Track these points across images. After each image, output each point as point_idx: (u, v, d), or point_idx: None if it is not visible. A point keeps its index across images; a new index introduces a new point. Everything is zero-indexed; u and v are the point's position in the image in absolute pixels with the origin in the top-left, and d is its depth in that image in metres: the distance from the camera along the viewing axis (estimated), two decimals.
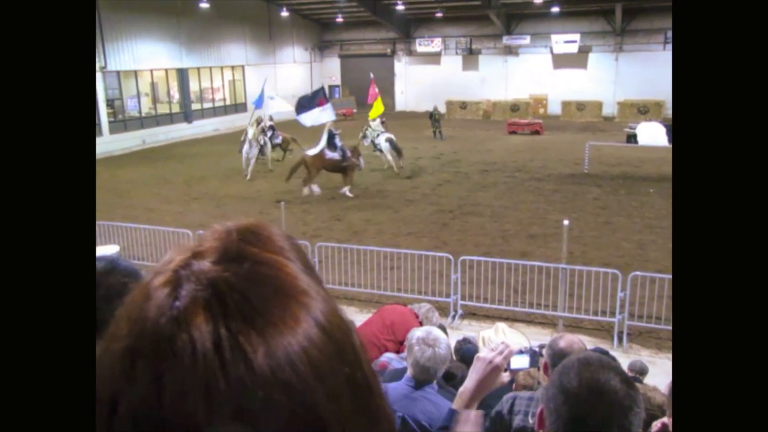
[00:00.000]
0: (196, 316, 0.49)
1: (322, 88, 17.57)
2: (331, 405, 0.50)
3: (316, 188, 16.21)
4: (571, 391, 1.56)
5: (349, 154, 16.32)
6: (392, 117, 35.85)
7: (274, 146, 20.79)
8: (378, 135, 19.19)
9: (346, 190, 16.36)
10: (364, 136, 19.49)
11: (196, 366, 0.47)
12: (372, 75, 21.90)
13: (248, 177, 18.57)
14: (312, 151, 16.17)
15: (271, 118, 20.84)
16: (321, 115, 16.53)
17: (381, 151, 19.04)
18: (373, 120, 19.40)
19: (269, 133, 20.38)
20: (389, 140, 18.85)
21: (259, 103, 19.93)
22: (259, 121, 19.54)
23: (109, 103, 27.20)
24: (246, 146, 18.84)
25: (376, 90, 19.81)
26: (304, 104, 16.63)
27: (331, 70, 41.41)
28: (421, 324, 4.87)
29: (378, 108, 19.06)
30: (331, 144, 16.16)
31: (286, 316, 0.50)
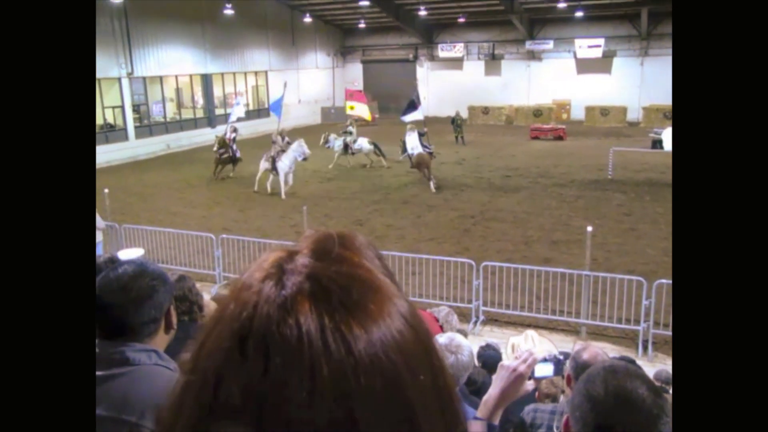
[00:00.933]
0: (302, 305, 0.54)
1: (417, 95, 20.24)
2: (419, 397, 0.54)
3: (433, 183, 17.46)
4: (598, 398, 1.54)
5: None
6: (414, 122, 35.92)
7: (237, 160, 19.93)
8: (356, 139, 21.10)
9: (432, 184, 17.47)
10: (339, 141, 21.20)
11: (302, 350, 0.51)
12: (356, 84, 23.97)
13: (284, 196, 17.04)
14: (418, 151, 17.72)
15: (234, 129, 20.21)
16: (417, 115, 19.27)
17: (355, 153, 21.00)
18: (350, 125, 21.19)
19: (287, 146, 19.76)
20: (373, 143, 20.95)
21: (277, 108, 19.54)
22: (282, 136, 18.18)
23: (136, 108, 27.63)
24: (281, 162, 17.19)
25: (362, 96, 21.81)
26: (409, 106, 19.61)
27: (353, 76, 41.59)
28: (442, 328, 4.86)
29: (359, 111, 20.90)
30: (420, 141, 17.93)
31: (382, 311, 0.55)
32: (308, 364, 0.51)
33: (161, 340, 1.78)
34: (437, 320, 5.25)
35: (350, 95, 21.69)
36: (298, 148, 17.15)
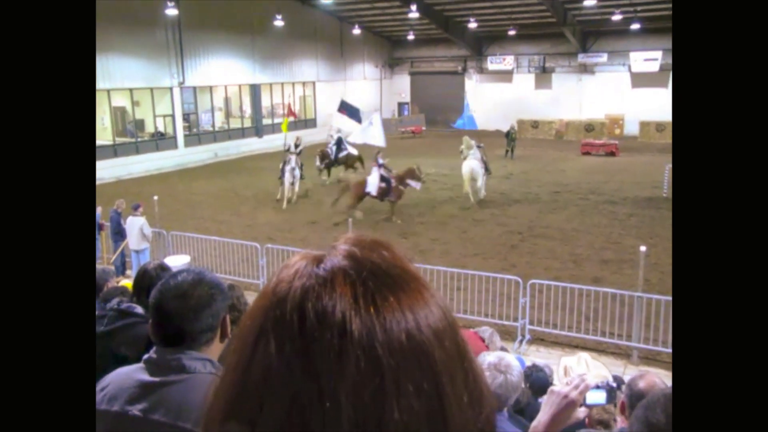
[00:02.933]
0: (338, 276, 0.59)
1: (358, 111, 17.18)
2: (449, 381, 0.59)
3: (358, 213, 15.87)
4: (658, 426, 1.51)
5: (393, 184, 15.88)
6: (459, 136, 35.84)
7: (342, 159, 20.95)
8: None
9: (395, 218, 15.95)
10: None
11: (334, 311, 0.57)
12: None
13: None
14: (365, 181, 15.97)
15: (339, 130, 21.04)
16: (370, 135, 16.43)
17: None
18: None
19: (333, 148, 20.72)
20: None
21: (464, 124, 19.55)
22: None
23: (185, 117, 28.40)
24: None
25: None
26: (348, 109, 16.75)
27: (401, 87, 41.83)
28: (487, 348, 4.81)
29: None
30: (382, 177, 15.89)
31: (417, 293, 0.61)
32: (340, 324, 0.56)
33: (216, 348, 1.82)
34: (482, 339, 5.21)
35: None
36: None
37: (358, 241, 0.66)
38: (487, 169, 17.96)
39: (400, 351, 0.56)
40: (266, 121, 32.93)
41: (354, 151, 20.56)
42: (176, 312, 1.74)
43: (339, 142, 20.90)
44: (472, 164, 17.30)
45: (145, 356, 1.75)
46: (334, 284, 0.59)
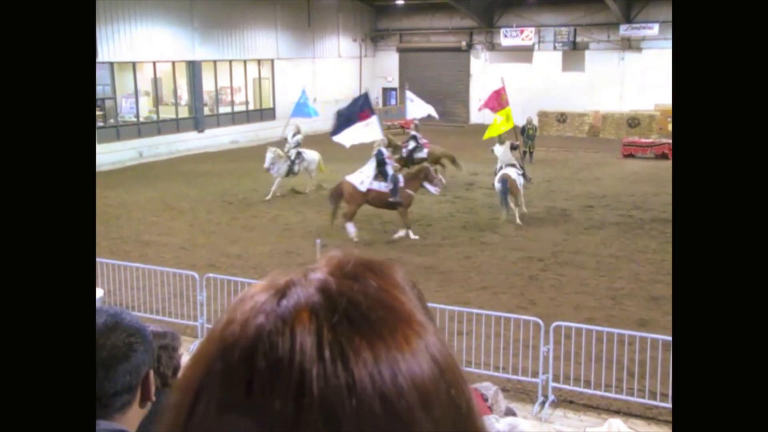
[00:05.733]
0: (301, 314, 0.61)
1: (366, 96, 17.22)
2: None
3: (352, 229, 16.11)
4: None
5: (401, 184, 16.22)
6: (466, 132, 36.02)
7: (419, 161, 21.44)
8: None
9: (402, 233, 16.29)
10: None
11: (292, 361, 0.58)
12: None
13: (269, 197, 20.16)
14: (352, 179, 16.22)
15: (417, 127, 23.13)
16: (364, 132, 16.52)
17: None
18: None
19: (411, 145, 22.14)
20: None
21: (302, 111, 21.76)
22: (295, 133, 20.97)
23: (99, 103, 28.21)
24: (269, 156, 20.12)
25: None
26: (342, 119, 16.66)
27: (386, 68, 42.08)
28: (490, 410, 4.84)
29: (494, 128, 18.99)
30: (381, 171, 16.19)
31: (397, 335, 0.62)
32: (297, 381, 0.58)
33: (134, 415, 1.80)
34: (485, 398, 5.25)
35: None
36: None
37: (339, 265, 0.67)
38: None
39: (371, 420, 0.57)
40: (209, 111, 32.92)
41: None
42: None
43: (415, 139, 22.43)
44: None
45: None
46: (295, 328, 0.60)
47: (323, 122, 27.08)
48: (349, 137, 16.52)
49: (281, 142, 21.06)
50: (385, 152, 16.50)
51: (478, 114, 39.66)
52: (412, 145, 22.31)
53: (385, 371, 0.59)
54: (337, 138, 16.66)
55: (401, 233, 16.27)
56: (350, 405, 0.57)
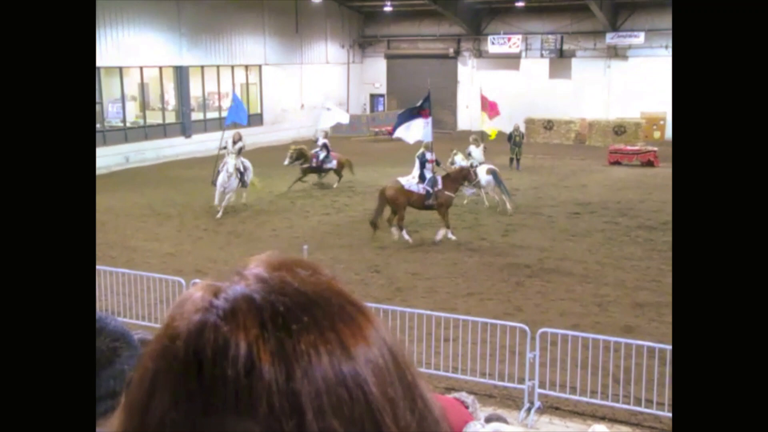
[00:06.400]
0: (240, 308, 0.63)
1: (428, 95, 17.32)
2: (392, 417, 0.63)
3: (406, 235, 16.40)
4: None
5: (439, 186, 16.44)
6: (453, 139, 36.06)
7: (326, 171, 22.54)
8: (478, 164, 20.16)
9: (441, 234, 16.44)
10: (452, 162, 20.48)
11: (236, 358, 0.60)
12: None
13: (220, 214, 18.78)
14: (402, 179, 16.75)
15: (326, 135, 22.87)
16: (420, 130, 17.00)
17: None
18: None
19: (322, 155, 22.21)
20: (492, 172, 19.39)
21: (236, 115, 21.46)
22: (235, 141, 20.01)
23: None
24: (223, 175, 18.91)
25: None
26: (405, 116, 17.28)
27: (374, 75, 42.12)
28: (472, 417, 4.85)
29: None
30: (420, 173, 16.59)
31: (348, 319, 0.65)
32: (245, 359, 0.60)
33: None
34: (466, 405, 5.26)
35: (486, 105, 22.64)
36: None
37: (268, 261, 0.70)
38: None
39: (325, 383, 0.60)
40: (196, 116, 32.84)
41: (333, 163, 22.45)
42: None
43: (326, 148, 22.47)
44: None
45: None
46: (236, 314, 0.63)
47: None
48: (409, 133, 16.99)
49: (220, 157, 20.01)
50: (428, 155, 16.73)
51: (465, 121, 39.83)
52: (322, 155, 22.42)
53: (336, 349, 0.62)
54: (397, 134, 17.28)
55: (441, 234, 16.41)
56: (300, 373, 0.60)
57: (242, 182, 19.44)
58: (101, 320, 1.84)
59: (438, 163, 16.83)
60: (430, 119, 16.88)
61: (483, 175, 18.61)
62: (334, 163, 22.69)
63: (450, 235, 16.36)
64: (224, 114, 33.97)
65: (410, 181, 16.65)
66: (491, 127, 23.12)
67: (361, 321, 0.65)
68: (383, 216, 16.44)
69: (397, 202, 16.31)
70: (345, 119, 25.27)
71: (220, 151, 19.98)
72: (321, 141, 22.65)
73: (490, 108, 23.10)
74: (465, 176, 16.78)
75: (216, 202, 18.92)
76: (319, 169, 22.57)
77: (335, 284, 0.68)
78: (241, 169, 19.39)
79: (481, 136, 22.73)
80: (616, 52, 36.80)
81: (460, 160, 20.03)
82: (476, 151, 20.95)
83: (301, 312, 0.63)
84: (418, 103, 17.05)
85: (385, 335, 0.66)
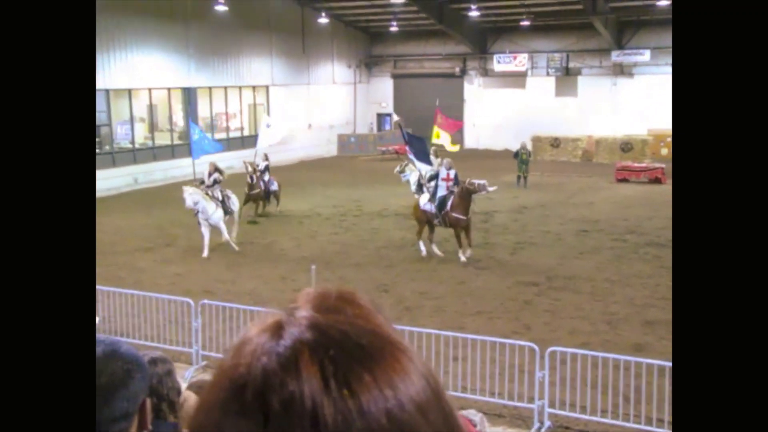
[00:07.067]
0: (302, 353, 0.67)
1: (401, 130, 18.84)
2: None
3: (421, 245, 16.74)
4: None
5: (447, 209, 16.50)
6: (460, 157, 36.15)
7: (271, 194, 21.64)
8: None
9: (463, 255, 16.45)
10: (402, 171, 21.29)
11: (303, 399, 0.64)
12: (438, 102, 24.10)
13: (206, 254, 17.04)
14: (419, 198, 17.30)
15: (266, 157, 21.87)
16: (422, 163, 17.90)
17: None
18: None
19: (266, 177, 21.38)
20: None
21: (201, 148, 19.69)
22: (210, 172, 18.25)
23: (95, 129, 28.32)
24: (204, 208, 17.01)
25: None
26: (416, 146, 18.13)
27: (381, 95, 42.26)
28: None
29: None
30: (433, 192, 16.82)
31: (394, 362, 0.69)
32: (310, 413, 0.64)
33: None
34: (474, 424, 5.26)
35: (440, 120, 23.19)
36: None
37: (320, 301, 0.74)
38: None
39: (380, 427, 0.64)
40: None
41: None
42: None
43: (267, 170, 21.68)
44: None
45: None
46: (299, 365, 0.66)
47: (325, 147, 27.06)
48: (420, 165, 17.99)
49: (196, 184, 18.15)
50: (443, 172, 16.99)
51: (472, 139, 39.90)
52: (267, 177, 21.53)
53: (386, 390, 0.66)
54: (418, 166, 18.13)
55: (462, 256, 16.40)
56: (361, 426, 0.64)
57: (225, 210, 17.57)
58: (114, 344, 1.87)
59: (456, 182, 16.75)
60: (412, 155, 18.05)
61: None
62: (276, 185, 21.79)
63: (461, 256, 16.32)
64: (232, 134, 34.34)
65: (424, 199, 16.96)
66: (450, 142, 23.69)
67: (405, 362, 0.70)
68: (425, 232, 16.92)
69: (416, 218, 17.06)
70: (286, 132, 23.86)
71: (197, 185, 17.85)
72: (262, 165, 21.55)
73: (452, 126, 24.32)
74: (470, 191, 16.58)
75: (205, 240, 17.04)
76: (267, 194, 21.54)
77: (379, 324, 0.73)
78: (220, 197, 17.60)
79: (439, 150, 22.87)
80: (622, 70, 36.85)
81: (409, 174, 20.47)
82: (435, 161, 20.28)
83: (354, 360, 0.67)
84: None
85: (423, 371, 0.71)
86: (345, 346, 0.68)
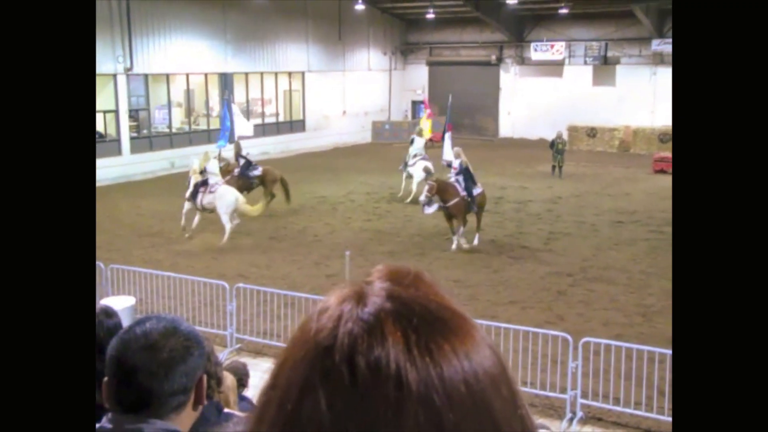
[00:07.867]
0: (386, 321, 0.71)
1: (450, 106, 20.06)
2: (506, 422, 0.71)
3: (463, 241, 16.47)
4: None
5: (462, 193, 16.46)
6: (495, 146, 35.99)
7: (253, 180, 20.49)
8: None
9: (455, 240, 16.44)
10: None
11: (388, 363, 0.68)
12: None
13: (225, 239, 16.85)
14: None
15: (239, 146, 21.15)
16: (447, 149, 18.22)
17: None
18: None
19: (241, 162, 20.76)
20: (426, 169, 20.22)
21: (227, 134, 19.97)
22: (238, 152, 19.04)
23: (133, 114, 28.60)
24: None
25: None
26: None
27: (416, 81, 42.12)
28: None
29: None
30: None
31: (469, 337, 0.73)
32: (395, 376, 0.67)
33: (187, 417, 1.86)
34: None
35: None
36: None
37: (397, 276, 0.78)
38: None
39: (460, 403, 0.68)
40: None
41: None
42: (143, 367, 1.79)
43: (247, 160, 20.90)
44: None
45: (98, 425, 1.78)
46: (384, 332, 0.70)
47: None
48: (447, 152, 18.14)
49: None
50: (455, 164, 16.98)
51: (507, 128, 39.69)
52: (242, 162, 20.75)
53: (464, 361, 0.70)
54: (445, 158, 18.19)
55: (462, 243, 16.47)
56: (441, 392, 0.67)
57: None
58: (175, 321, 1.92)
59: (460, 172, 16.60)
60: (450, 133, 18.66)
61: (418, 170, 20.47)
62: (259, 170, 20.70)
63: (456, 244, 16.39)
64: (268, 120, 34.46)
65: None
66: (428, 129, 24.92)
67: (478, 337, 0.74)
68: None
69: (459, 204, 16.72)
70: (249, 130, 22.07)
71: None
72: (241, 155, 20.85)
73: (431, 115, 26.31)
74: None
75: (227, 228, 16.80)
76: (247, 180, 20.33)
77: (451, 300, 0.77)
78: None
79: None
80: (662, 59, 36.28)
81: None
82: (419, 141, 22.49)
83: (435, 331, 0.71)
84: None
85: (492, 345, 0.75)
86: (425, 317, 0.71)
